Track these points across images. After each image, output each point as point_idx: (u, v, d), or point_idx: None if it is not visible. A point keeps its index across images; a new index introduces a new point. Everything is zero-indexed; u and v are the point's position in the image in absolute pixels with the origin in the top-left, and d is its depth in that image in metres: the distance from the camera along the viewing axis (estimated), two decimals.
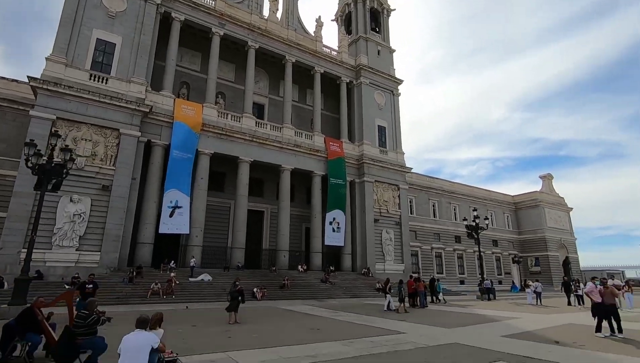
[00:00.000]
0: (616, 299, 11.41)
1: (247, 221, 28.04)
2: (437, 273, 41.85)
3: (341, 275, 30.26)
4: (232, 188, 29.21)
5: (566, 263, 50.11)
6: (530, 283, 24.00)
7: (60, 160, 13.48)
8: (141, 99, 23.58)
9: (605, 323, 10.06)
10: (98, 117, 21.84)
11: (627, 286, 20.30)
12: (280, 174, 30.74)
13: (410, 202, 41.08)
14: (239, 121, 28.91)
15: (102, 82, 22.67)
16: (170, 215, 24.08)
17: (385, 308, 16.77)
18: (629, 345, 8.69)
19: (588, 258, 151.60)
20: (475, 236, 28.77)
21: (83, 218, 20.15)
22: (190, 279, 21.65)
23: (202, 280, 21.87)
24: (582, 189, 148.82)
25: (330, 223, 32.14)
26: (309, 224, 32.69)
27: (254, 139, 28.80)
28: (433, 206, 44.67)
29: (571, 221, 55.36)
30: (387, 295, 17.14)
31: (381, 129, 37.41)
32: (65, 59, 21.71)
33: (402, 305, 16.83)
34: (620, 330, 9.79)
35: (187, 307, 16.37)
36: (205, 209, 26.46)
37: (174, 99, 26.35)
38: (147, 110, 23.68)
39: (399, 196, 36.79)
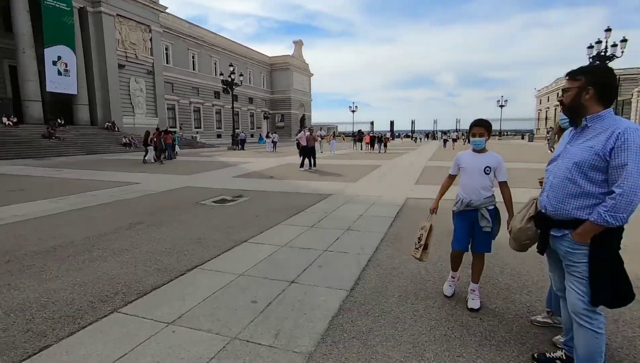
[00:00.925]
0: (317, 143, 15.09)
1: None
2: (196, 127, 42.32)
3: (75, 130, 25.37)
4: None
5: (303, 119, 61.60)
6: (271, 135, 28.26)
7: None
8: None
9: (307, 161, 13.29)
10: None
11: (332, 135, 27.37)
12: None
13: (165, 50, 36.51)
14: None
15: None
16: None
17: (144, 161, 16.65)
18: (315, 174, 12.02)
19: (318, 116, 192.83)
20: (231, 92, 29.79)
21: None
22: None
23: None
24: (323, 59, 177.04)
25: (54, 63, 24.71)
26: (15, 61, 23.87)
27: None
28: (192, 57, 41.69)
29: (311, 85, 66.24)
30: (148, 148, 16.90)
31: None
32: None
33: (160, 157, 17.16)
34: (314, 165, 13.29)
35: None
36: None
37: None
38: None
39: (150, 39, 31.66)
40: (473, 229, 2.80)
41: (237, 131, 35.91)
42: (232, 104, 31.17)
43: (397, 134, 70.31)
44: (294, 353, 2.22)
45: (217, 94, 45.08)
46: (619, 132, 1.61)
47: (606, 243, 1.69)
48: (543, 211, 1.92)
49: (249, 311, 2.75)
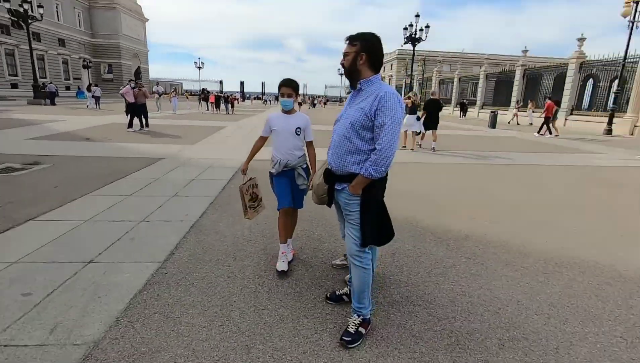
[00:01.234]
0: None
1: None
2: None
3: None
4: None
5: (138, 72, 53.07)
6: (92, 88, 23.33)
7: None
8: None
9: (137, 121, 11.54)
10: None
11: (174, 92, 24.58)
12: None
13: None
14: None
15: None
16: None
17: None
18: (147, 135, 10.59)
19: (160, 70, 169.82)
20: (25, 27, 22.77)
21: None
22: None
23: None
24: (162, 2, 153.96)
25: None
26: None
27: None
28: None
29: (146, 32, 57.04)
30: None
31: None
32: None
33: None
34: (147, 125, 11.67)
35: None
36: None
37: None
38: None
39: None
40: (291, 187, 2.89)
41: (44, 81, 28.18)
42: (30, 43, 23.86)
43: (247, 95, 68.91)
44: (74, 347, 1.87)
45: (5, 29, 33.71)
46: (381, 96, 1.82)
47: (373, 193, 1.96)
48: (329, 167, 2.08)
49: (16, 308, 2.18)
